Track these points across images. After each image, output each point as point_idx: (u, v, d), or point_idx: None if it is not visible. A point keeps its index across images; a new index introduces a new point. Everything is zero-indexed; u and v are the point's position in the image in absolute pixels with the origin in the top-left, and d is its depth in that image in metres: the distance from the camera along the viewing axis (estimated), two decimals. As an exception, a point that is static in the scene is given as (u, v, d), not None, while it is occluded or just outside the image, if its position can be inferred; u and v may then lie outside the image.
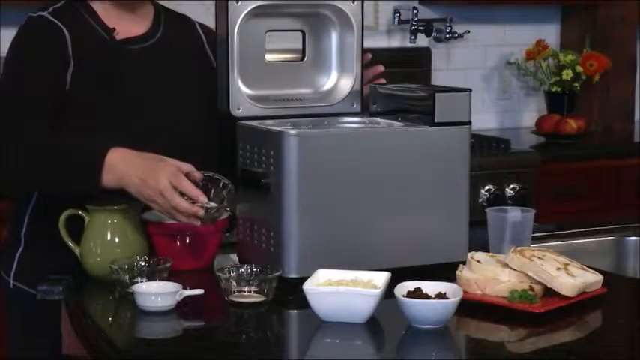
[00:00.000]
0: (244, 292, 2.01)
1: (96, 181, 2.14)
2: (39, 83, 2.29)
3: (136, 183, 2.13)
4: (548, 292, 2.00)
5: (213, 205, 2.13)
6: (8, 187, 2.33)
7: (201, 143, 2.37)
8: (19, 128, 2.23)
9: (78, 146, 2.21)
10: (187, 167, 2.14)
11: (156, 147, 2.25)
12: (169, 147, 2.26)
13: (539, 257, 2.04)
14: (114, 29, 2.38)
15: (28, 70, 2.31)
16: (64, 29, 2.32)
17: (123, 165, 2.15)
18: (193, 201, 2.10)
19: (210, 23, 2.43)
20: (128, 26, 2.40)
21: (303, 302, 1.92)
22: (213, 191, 2.16)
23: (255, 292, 2.01)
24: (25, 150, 2.20)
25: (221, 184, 2.17)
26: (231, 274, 2.03)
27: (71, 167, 2.18)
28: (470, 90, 2.25)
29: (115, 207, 2.18)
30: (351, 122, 2.31)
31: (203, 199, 2.11)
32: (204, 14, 2.55)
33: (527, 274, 2.01)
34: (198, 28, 2.53)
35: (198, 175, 2.14)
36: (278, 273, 2.03)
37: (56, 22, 2.33)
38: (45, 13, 2.34)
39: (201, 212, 2.10)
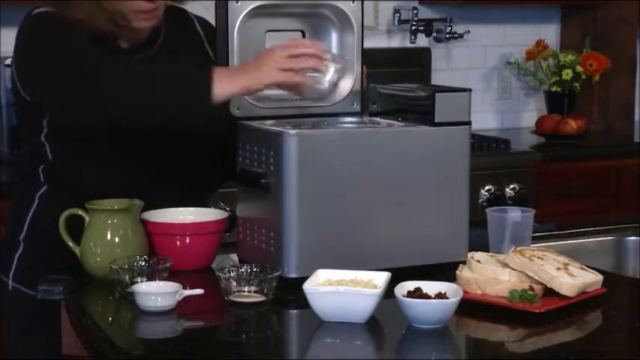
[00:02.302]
0: (244, 292, 2.01)
1: (208, 92, 2.10)
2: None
3: (248, 67, 2.13)
4: (548, 292, 2.00)
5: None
6: (118, 110, 2.18)
7: (210, 139, 2.37)
8: (109, 58, 2.23)
9: (178, 69, 2.23)
10: None
11: (167, 145, 2.27)
12: (181, 145, 2.31)
13: (539, 257, 2.04)
14: (116, 38, 2.35)
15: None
16: None
17: (228, 70, 2.16)
18: None
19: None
20: (131, 34, 2.37)
21: (303, 302, 1.92)
22: None
23: (255, 292, 2.01)
24: (128, 72, 2.18)
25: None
26: (231, 274, 2.03)
27: (180, 83, 2.16)
28: (470, 90, 2.25)
29: (115, 207, 2.18)
30: (351, 122, 2.31)
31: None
32: (204, 14, 2.55)
33: (527, 274, 2.01)
34: (197, 25, 2.50)
35: None
36: (278, 273, 2.03)
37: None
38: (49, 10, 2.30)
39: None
